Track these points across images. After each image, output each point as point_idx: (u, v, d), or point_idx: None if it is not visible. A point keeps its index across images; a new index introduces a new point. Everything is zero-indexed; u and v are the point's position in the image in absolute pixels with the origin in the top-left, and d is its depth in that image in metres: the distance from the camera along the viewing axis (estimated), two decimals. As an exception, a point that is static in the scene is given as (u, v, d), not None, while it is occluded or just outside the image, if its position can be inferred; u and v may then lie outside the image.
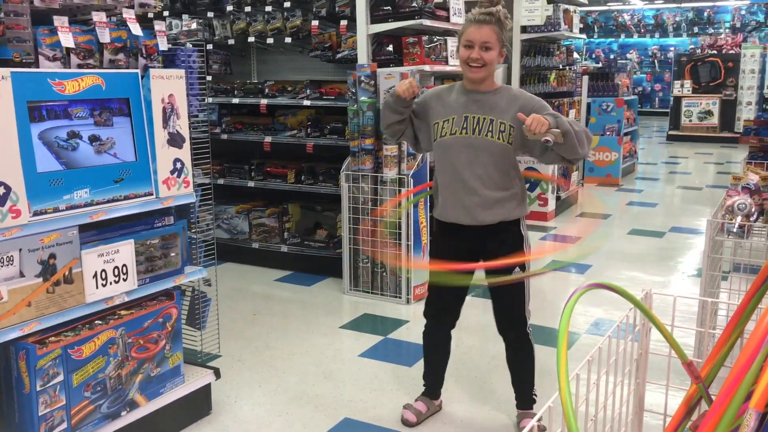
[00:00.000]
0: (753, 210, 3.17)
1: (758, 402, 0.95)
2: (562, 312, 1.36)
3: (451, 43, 5.14)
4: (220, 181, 5.62)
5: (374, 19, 4.81)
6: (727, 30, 20.18)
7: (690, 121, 14.73)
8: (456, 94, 2.91)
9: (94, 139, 2.60)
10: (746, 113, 14.23)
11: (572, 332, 4.19)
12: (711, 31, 20.37)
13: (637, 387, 1.85)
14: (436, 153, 2.94)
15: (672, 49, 20.54)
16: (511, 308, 2.98)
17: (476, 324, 4.19)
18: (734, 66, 14.46)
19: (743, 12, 20.40)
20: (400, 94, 2.85)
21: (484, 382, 3.53)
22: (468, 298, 4.65)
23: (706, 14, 21.13)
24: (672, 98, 15.12)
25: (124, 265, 2.69)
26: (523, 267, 2.92)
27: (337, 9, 5.09)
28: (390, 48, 4.91)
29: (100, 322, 2.65)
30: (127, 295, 2.71)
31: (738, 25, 20.23)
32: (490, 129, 2.79)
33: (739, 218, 3.16)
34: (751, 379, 1.02)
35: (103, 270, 2.61)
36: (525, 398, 3.10)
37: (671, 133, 14.99)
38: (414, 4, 4.70)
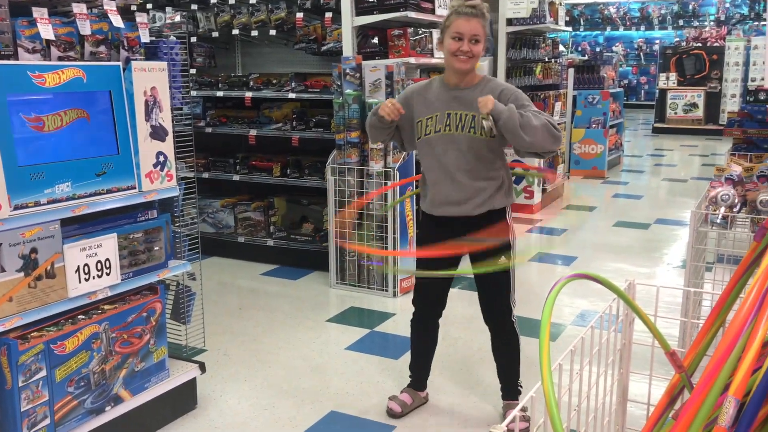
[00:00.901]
0: (736, 201, 3.19)
1: (737, 390, 0.95)
2: (544, 302, 1.36)
3: (436, 35, 5.13)
4: (205, 175, 5.58)
5: (359, 11, 4.79)
6: (711, 23, 20.29)
7: (675, 113, 14.81)
8: (437, 90, 2.90)
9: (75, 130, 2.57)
10: (731, 105, 14.31)
11: (558, 324, 4.21)
12: (696, 23, 20.46)
13: (621, 377, 1.86)
14: (421, 150, 2.94)
15: (657, 41, 20.60)
16: (496, 297, 3.00)
17: (462, 316, 4.20)
18: (719, 58, 14.54)
19: (727, 5, 20.49)
20: (384, 117, 2.85)
21: (470, 374, 3.54)
22: (455, 290, 4.69)
23: (691, 7, 21.20)
24: (657, 91, 15.18)
25: (107, 259, 2.66)
26: (508, 256, 2.93)
27: (321, 1, 5.07)
28: (375, 40, 4.90)
29: (83, 317, 2.63)
30: (111, 290, 2.69)
31: (722, 17, 20.32)
32: (473, 125, 2.80)
33: (722, 209, 3.18)
34: (731, 367, 1.02)
35: (86, 264, 2.59)
36: (510, 389, 3.12)
37: (657, 125, 15.07)
38: (399, -3, 4.69)
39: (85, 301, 2.60)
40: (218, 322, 4.24)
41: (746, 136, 5.06)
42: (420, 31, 4.97)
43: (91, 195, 2.61)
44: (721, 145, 13.16)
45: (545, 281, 5.20)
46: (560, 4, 7.58)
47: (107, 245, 2.66)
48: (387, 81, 4.52)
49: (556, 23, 7.43)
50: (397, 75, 4.55)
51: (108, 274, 2.67)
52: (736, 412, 0.93)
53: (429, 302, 3.13)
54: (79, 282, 2.57)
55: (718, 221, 3.17)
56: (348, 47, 4.79)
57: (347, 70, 4.58)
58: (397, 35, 4.82)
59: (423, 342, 3.22)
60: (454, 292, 4.67)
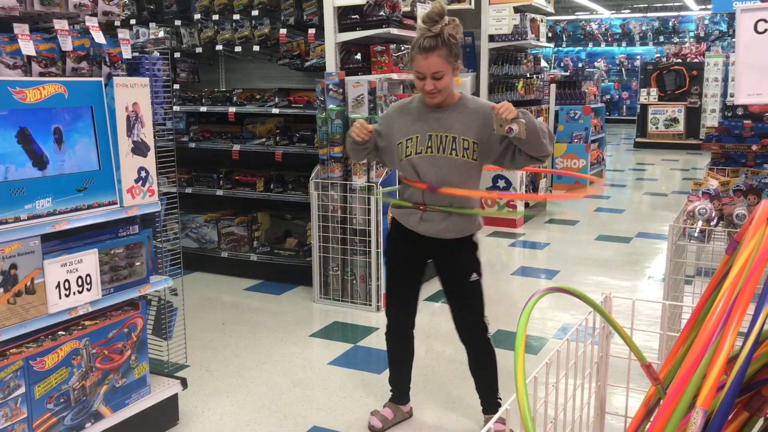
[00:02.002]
0: (713, 215, 3.23)
1: (704, 401, 0.97)
2: (520, 314, 1.38)
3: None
4: (188, 190, 5.58)
5: (342, 27, 4.83)
6: (691, 39, 20.59)
7: (656, 128, 14.97)
8: (417, 111, 2.89)
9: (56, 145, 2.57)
10: (710, 120, 14.48)
11: (539, 337, 4.23)
12: (676, 40, 20.76)
13: (598, 389, 1.88)
14: (403, 170, 2.95)
15: (639, 57, 20.87)
16: (469, 316, 3.02)
17: (446, 330, 4.20)
18: (698, 74, 14.73)
19: (707, 22, 20.83)
20: (355, 139, 2.88)
21: (454, 388, 3.55)
22: (437, 305, 4.71)
23: (671, 23, 21.55)
24: (639, 106, 15.35)
25: (88, 274, 2.66)
26: (479, 273, 2.96)
27: (305, 17, 5.10)
28: (358, 56, 4.94)
29: (64, 333, 2.62)
30: (91, 305, 2.68)
31: (702, 34, 20.65)
32: (454, 147, 2.81)
33: (699, 223, 3.22)
34: (699, 378, 1.04)
35: (67, 280, 2.58)
36: (490, 403, 3.13)
37: (638, 140, 15.22)
38: (381, 13, 4.73)
39: (65, 317, 2.58)
40: (201, 337, 4.23)
41: (724, 150, 5.12)
42: (402, 47, 5.02)
43: (72, 210, 2.61)
44: (702, 159, 13.31)
45: (527, 294, 5.21)
46: (542, 20, 7.68)
47: (88, 261, 2.66)
48: (370, 96, 4.55)
49: (538, 39, 7.52)
50: (380, 91, 4.58)
51: (89, 290, 2.66)
52: (704, 423, 0.95)
53: (401, 312, 3.14)
54: (60, 298, 2.56)
55: (696, 235, 3.21)
56: (331, 63, 4.83)
57: (330, 86, 4.61)
58: (380, 51, 4.86)
59: (400, 353, 3.22)
60: (437, 307, 4.71)
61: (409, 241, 2.97)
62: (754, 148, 5.04)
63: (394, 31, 4.75)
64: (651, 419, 1.78)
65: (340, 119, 4.59)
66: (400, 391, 3.26)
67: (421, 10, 5.12)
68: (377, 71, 4.86)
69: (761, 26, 1.77)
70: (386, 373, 3.62)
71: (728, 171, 4.23)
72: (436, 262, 3.00)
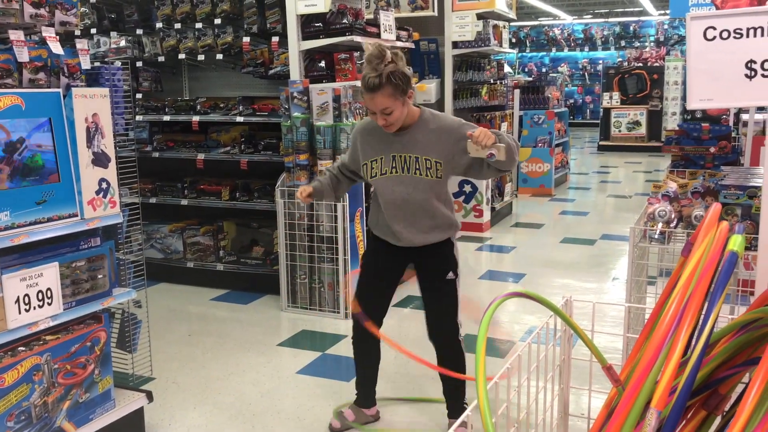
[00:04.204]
0: (673, 216, 3.30)
1: (658, 402, 0.99)
2: (481, 319, 1.40)
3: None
4: (152, 200, 5.52)
5: (306, 35, 4.82)
6: (651, 44, 20.99)
7: (619, 131, 15.22)
8: (380, 131, 2.88)
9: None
10: (671, 123, 14.77)
11: (507, 340, 4.27)
12: (637, 44, 21.15)
13: (561, 391, 1.90)
14: (373, 186, 3.02)
15: (601, 62, 21.20)
16: (442, 315, 3.05)
17: (415, 336, 4.22)
18: (659, 78, 15.02)
19: (666, 26, 21.26)
20: (304, 202, 3.16)
21: (422, 393, 3.55)
22: (407, 310, 4.73)
23: (631, 28, 21.93)
24: (602, 109, 15.59)
25: (49, 288, 2.61)
26: (456, 272, 3.00)
27: (268, 25, 5.08)
28: (322, 64, 4.94)
29: (24, 349, 2.57)
30: (53, 320, 2.63)
31: (661, 38, 21.05)
32: (418, 167, 2.85)
33: (660, 225, 3.28)
34: (653, 380, 1.07)
35: (26, 294, 2.53)
36: (456, 407, 3.15)
37: (602, 143, 15.45)
38: (345, 21, 4.74)
39: (25, 332, 2.54)
40: (166, 349, 4.18)
41: (684, 153, 5.22)
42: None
43: (31, 224, 2.56)
44: (664, 161, 13.55)
45: (488, 297, 5.24)
46: (504, 27, 7.75)
47: (48, 274, 2.61)
48: (335, 104, 4.56)
49: (500, 45, 7.59)
50: (345, 98, 4.59)
51: (50, 304, 2.62)
52: (658, 423, 0.97)
53: (370, 315, 3.14)
54: (19, 313, 2.51)
55: (657, 237, 3.27)
56: (295, 71, 4.82)
57: (295, 94, 4.60)
58: (344, 59, 4.87)
59: (366, 357, 3.24)
60: (406, 312, 4.72)
61: (389, 253, 3.03)
62: (712, 150, 5.15)
63: (358, 38, 4.76)
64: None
65: (305, 127, 4.58)
66: (365, 395, 3.27)
67: (384, 19, 5.15)
68: (341, 79, 4.86)
69: (710, 33, 1.81)
70: (355, 380, 3.63)
71: (687, 173, 4.32)
72: (415, 264, 3.05)
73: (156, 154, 5.48)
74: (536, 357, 1.70)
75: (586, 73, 22.32)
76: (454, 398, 3.13)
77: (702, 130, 5.28)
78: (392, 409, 3.38)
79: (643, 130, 15.07)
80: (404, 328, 4.43)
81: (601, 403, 1.95)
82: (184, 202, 5.46)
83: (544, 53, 23.13)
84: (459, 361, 3.09)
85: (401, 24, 5.77)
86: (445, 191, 2.97)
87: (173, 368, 3.91)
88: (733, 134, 5.48)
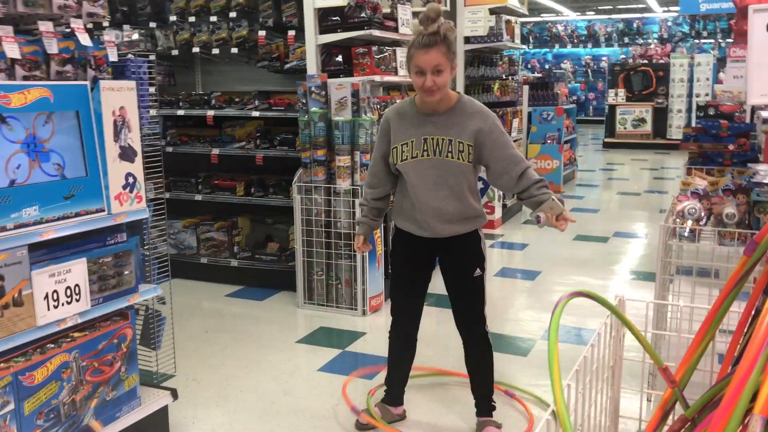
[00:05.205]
0: (702, 214, 3.26)
1: (763, 408, 0.95)
2: (549, 325, 1.36)
3: (400, 53, 5.14)
4: (166, 195, 5.44)
5: (323, 29, 4.77)
6: (655, 40, 20.93)
7: (624, 128, 15.18)
8: (412, 115, 2.88)
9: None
10: (677, 120, 14.75)
11: (527, 339, 4.23)
12: (640, 41, 21.09)
13: (613, 394, 1.86)
14: (400, 174, 2.94)
15: (604, 58, 21.16)
16: (470, 311, 3.02)
17: (432, 333, 4.18)
18: (664, 75, 14.98)
19: (670, 24, 21.21)
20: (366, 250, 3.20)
21: (446, 392, 3.52)
22: (427, 307, 4.67)
23: (635, 25, 21.88)
24: (607, 106, 15.55)
25: (77, 285, 2.57)
26: (483, 268, 2.96)
27: (284, 19, 5.03)
28: (339, 58, 4.89)
29: (53, 346, 2.52)
30: (80, 317, 2.59)
31: (665, 36, 21.01)
32: (450, 149, 2.81)
33: (689, 222, 3.24)
34: (753, 385, 1.03)
35: (55, 291, 2.49)
36: (484, 405, 3.11)
37: (607, 140, 15.41)
38: (363, 15, 4.69)
39: (54, 329, 2.49)
40: (184, 346, 4.13)
41: (702, 150, 5.18)
42: (384, 49, 4.98)
43: (59, 219, 2.51)
44: (670, 159, 13.54)
45: (510, 296, 5.23)
46: (516, 22, 7.70)
47: (76, 270, 2.57)
48: (353, 99, 4.51)
49: (513, 41, 7.54)
50: (363, 93, 4.54)
51: (77, 301, 2.57)
52: (763, 430, 0.94)
53: (407, 313, 3.12)
54: (48, 309, 2.46)
55: (686, 234, 3.23)
56: (312, 65, 4.77)
57: (313, 88, 4.55)
58: (362, 53, 4.82)
59: (401, 354, 3.20)
60: (426, 309, 4.67)
61: (416, 245, 2.96)
62: (731, 147, 5.11)
63: (376, 32, 4.71)
64: (667, 422, 1.77)
65: (323, 122, 4.53)
66: (395, 393, 3.23)
67: (402, 13, 5.11)
68: (359, 73, 4.81)
69: (775, 27, 1.77)
70: (378, 378, 3.60)
71: (714, 170, 4.28)
72: (441, 257, 3.00)
73: (170, 149, 5.43)
74: (595, 358, 1.66)
75: (589, 70, 22.28)
76: (483, 392, 3.10)
77: (721, 127, 5.23)
78: (419, 407, 3.33)
79: (648, 128, 15.03)
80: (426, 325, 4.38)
81: (632, 404, 1.92)
82: (198, 197, 5.41)
83: (547, 50, 23.08)
84: (487, 354, 3.07)
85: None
86: (474, 181, 2.92)
87: (192, 365, 3.87)
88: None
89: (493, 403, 3.11)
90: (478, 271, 2.96)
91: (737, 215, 3.18)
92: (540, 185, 2.83)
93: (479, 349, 3.06)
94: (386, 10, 4.97)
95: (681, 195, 3.41)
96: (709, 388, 1.70)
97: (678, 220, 3.29)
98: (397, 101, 5.04)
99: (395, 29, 5.01)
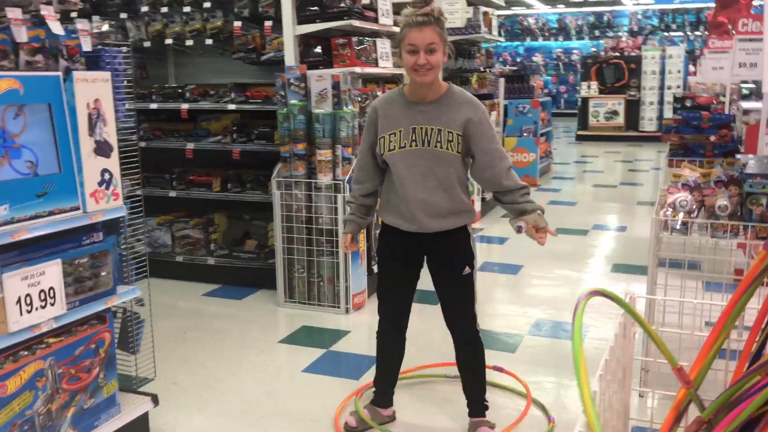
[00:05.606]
0: (694, 207, 3.21)
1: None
2: (572, 328, 1.27)
3: (380, 44, 5.04)
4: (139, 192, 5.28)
5: (301, 19, 4.64)
6: (625, 33, 21.09)
7: (597, 121, 15.25)
8: (400, 105, 2.79)
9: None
10: (649, 112, 14.86)
11: (515, 334, 4.17)
12: (611, 34, 21.22)
13: (623, 395, 1.79)
14: (387, 165, 2.84)
15: (575, 52, 21.26)
16: (459, 308, 2.95)
17: (418, 330, 4.08)
18: (636, 67, 15.06)
19: (640, 17, 21.37)
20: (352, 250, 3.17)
21: (435, 392, 3.43)
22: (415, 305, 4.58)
23: (605, 18, 22.00)
24: (580, 99, 15.60)
25: (51, 287, 2.43)
26: (472, 266, 2.88)
27: (260, 9, 4.89)
28: (318, 49, 4.77)
29: (26, 353, 2.38)
30: (56, 321, 2.45)
31: (635, 28, 21.17)
32: (439, 139, 2.72)
33: (681, 215, 3.19)
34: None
35: (28, 294, 2.34)
36: (477, 405, 3.03)
37: (580, 132, 15.47)
38: (342, 5, 4.57)
39: (27, 335, 2.35)
40: (162, 348, 3.96)
41: (683, 141, 5.16)
42: (364, 40, 4.87)
43: (31, 218, 2.37)
44: (643, 151, 13.62)
45: (493, 291, 5.16)
46: (493, 14, 7.64)
47: (51, 272, 2.43)
48: (334, 91, 4.39)
49: (490, 33, 7.48)
50: (344, 85, 4.43)
51: (52, 305, 2.43)
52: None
53: (394, 312, 3.03)
54: (21, 314, 2.32)
55: (678, 227, 3.18)
56: (290, 57, 4.63)
57: (292, 80, 4.42)
58: (342, 44, 4.70)
59: (389, 355, 3.11)
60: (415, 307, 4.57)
61: (403, 241, 2.86)
62: (713, 138, 5.10)
63: (356, 23, 4.59)
64: (681, 424, 1.70)
65: (302, 114, 4.40)
66: (383, 394, 3.14)
67: (382, 3, 5.00)
68: (339, 65, 4.69)
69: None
70: (363, 378, 3.51)
71: (697, 162, 4.25)
72: (429, 254, 2.90)
73: (143, 144, 5.23)
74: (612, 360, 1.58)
75: (560, 63, 22.35)
76: (476, 391, 3.02)
77: (702, 118, 5.22)
78: (408, 408, 3.24)
79: (620, 120, 15.12)
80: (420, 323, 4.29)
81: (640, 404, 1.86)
82: (173, 193, 5.25)
83: (519, 43, 23.11)
84: (478, 353, 2.99)
85: (398, 9, 5.61)
86: (463, 174, 2.83)
87: (171, 368, 3.73)
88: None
89: (486, 403, 3.04)
90: (467, 269, 2.87)
91: (730, 207, 3.13)
92: (524, 192, 2.78)
93: (470, 348, 2.98)
94: (366, 0, 4.86)
95: (671, 187, 3.36)
96: (727, 388, 1.64)
97: (670, 212, 3.24)
98: (378, 94, 4.95)
99: (375, 20, 4.90)
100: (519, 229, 2.73)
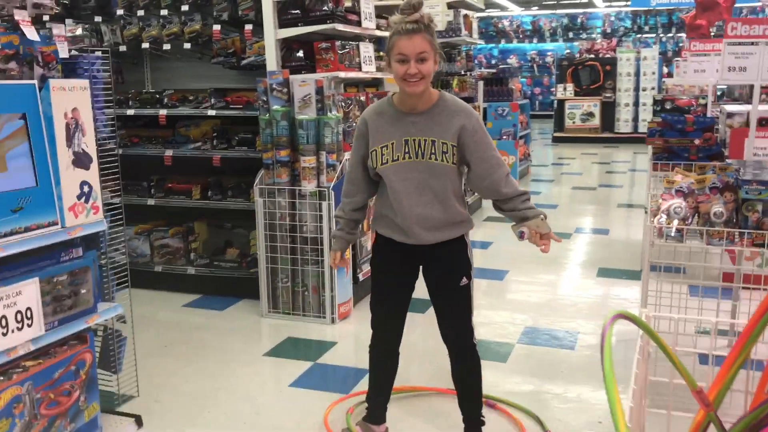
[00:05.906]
0: (688, 213, 3.17)
1: None
2: (602, 354, 1.19)
3: (363, 48, 4.95)
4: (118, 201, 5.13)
5: (283, 23, 4.53)
6: (599, 35, 21.24)
7: (573, 123, 15.30)
8: (391, 116, 2.69)
9: (-14, 162, 2.21)
10: (624, 114, 14.95)
11: (505, 343, 4.10)
12: (584, 36, 21.37)
13: (640, 414, 1.72)
14: (381, 178, 2.75)
15: (550, 53, 21.36)
16: (456, 320, 2.85)
17: (409, 342, 3.98)
18: (612, 69, 15.15)
19: (613, 19, 21.55)
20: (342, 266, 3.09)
21: (429, 405, 3.34)
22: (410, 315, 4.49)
23: (579, 20, 22.15)
24: (556, 101, 15.65)
25: (28, 308, 2.30)
26: (469, 276, 2.79)
27: (240, 13, 4.77)
28: (300, 54, 4.66)
29: (2, 378, 2.25)
30: (33, 343, 2.32)
31: (609, 30, 21.33)
32: (433, 151, 2.63)
33: (675, 222, 3.14)
34: None
35: (4, 316, 2.22)
36: (473, 420, 2.95)
37: (556, 134, 15.51)
38: (325, 8, 4.48)
39: (4, 358, 2.22)
40: (143, 363, 3.82)
41: (667, 145, 5.14)
42: (346, 44, 4.77)
43: (6, 235, 2.24)
44: (619, 152, 13.69)
45: (479, 297, 5.09)
46: (473, 17, 7.59)
47: (28, 292, 2.30)
48: (317, 96, 4.29)
49: (471, 36, 7.43)
50: (328, 90, 4.33)
51: (29, 326, 2.30)
52: None
53: (388, 325, 2.93)
54: (-4, 337, 2.19)
55: (673, 234, 3.13)
56: (272, 61, 4.52)
57: (274, 85, 4.31)
58: (325, 48, 4.60)
59: (383, 370, 3.01)
60: (409, 318, 4.48)
61: (398, 253, 2.77)
62: (697, 141, 5.09)
63: (339, 26, 4.50)
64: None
65: (285, 120, 4.29)
66: (377, 410, 3.04)
67: (365, 6, 4.91)
68: (322, 69, 4.59)
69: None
70: (355, 391, 3.41)
71: (692, 166, 4.23)
72: (425, 265, 2.81)
73: (119, 151, 5.06)
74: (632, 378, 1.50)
75: (535, 65, 22.44)
76: (472, 407, 2.93)
77: (686, 122, 5.20)
78: (402, 423, 3.15)
79: (596, 122, 15.18)
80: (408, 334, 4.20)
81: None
82: (151, 201, 5.10)
83: (493, 45, 23.17)
84: (475, 368, 2.90)
85: (381, 12, 5.53)
86: (459, 184, 2.75)
87: (154, 384, 3.59)
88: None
89: (482, 418, 2.95)
90: (464, 280, 2.79)
91: (725, 213, 3.09)
92: (524, 198, 2.71)
93: (467, 362, 2.89)
94: (348, 3, 4.77)
95: (665, 193, 3.31)
96: (749, 412, 1.58)
97: (664, 218, 3.19)
98: (361, 99, 4.86)
99: (358, 23, 4.81)
100: (521, 235, 2.65)
